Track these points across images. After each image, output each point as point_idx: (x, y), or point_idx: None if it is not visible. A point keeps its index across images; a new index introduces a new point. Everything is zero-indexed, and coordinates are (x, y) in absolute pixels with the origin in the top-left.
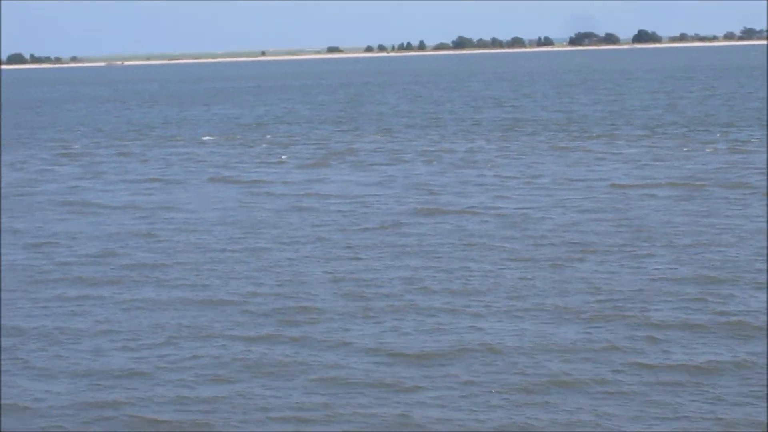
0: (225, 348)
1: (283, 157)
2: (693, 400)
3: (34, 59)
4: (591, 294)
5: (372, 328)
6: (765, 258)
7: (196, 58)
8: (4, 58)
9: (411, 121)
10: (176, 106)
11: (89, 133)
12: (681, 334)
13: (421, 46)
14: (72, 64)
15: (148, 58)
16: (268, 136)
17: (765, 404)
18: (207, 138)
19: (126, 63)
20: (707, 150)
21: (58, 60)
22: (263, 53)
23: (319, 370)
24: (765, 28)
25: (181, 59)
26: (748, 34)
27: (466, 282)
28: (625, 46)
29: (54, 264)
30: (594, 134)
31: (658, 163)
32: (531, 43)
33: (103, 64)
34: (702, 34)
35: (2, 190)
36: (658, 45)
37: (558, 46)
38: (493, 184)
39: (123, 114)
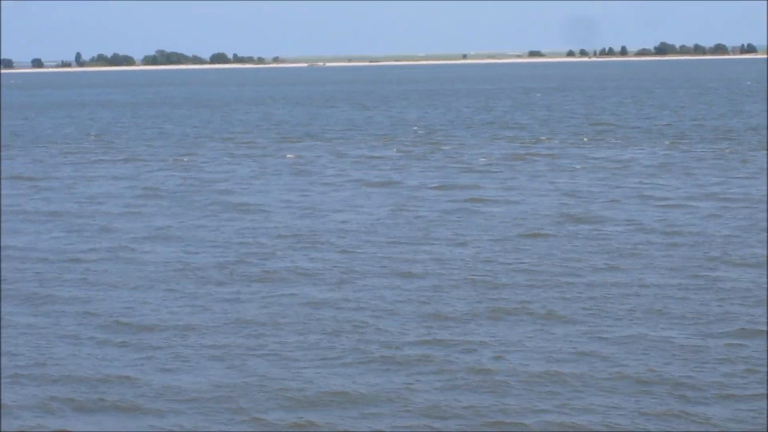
0: None
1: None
2: None
3: (237, 59)
4: None
5: None
6: None
7: (397, 60)
8: (208, 57)
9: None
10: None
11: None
12: None
13: (623, 52)
14: (274, 65)
15: (349, 60)
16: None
17: None
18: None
19: (327, 64)
20: None
21: (260, 60)
22: (465, 56)
23: None
24: None
25: (383, 61)
26: None
27: None
28: None
29: None
30: None
31: None
32: (734, 50)
33: (305, 65)
34: None
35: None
36: None
37: (761, 54)
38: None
39: (336, 114)
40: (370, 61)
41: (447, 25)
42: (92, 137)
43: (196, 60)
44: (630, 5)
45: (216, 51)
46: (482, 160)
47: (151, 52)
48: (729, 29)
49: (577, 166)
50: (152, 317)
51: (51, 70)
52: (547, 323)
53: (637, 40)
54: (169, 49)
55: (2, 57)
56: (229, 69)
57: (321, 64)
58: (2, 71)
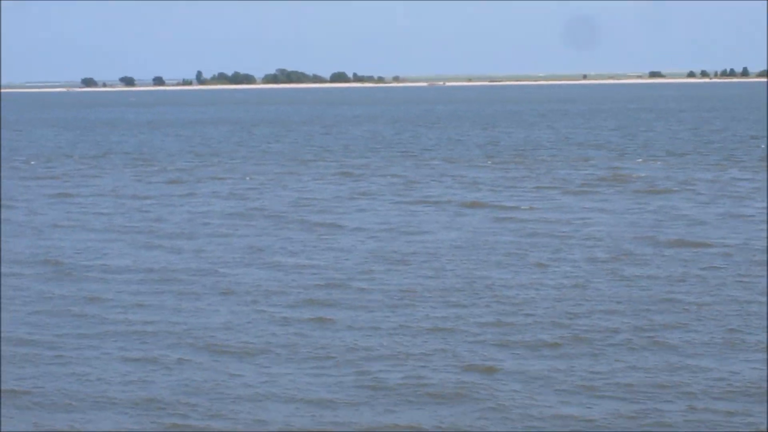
0: None
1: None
2: None
3: (357, 78)
4: None
5: None
6: None
7: (517, 80)
8: (328, 76)
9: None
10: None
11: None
12: None
13: (744, 73)
14: (394, 84)
15: (469, 79)
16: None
17: None
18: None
19: (447, 83)
20: None
21: (380, 79)
22: (585, 77)
23: None
24: None
25: (503, 81)
26: None
27: None
28: None
29: None
30: None
31: None
32: None
33: (424, 84)
34: None
35: None
36: None
37: None
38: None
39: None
40: (490, 81)
41: (565, 46)
42: (195, 155)
43: (317, 79)
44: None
45: (336, 70)
46: (579, 181)
47: (272, 71)
48: None
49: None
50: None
51: (172, 88)
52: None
53: (758, 61)
54: (289, 68)
55: (125, 75)
56: (349, 88)
57: (441, 83)
58: (124, 89)
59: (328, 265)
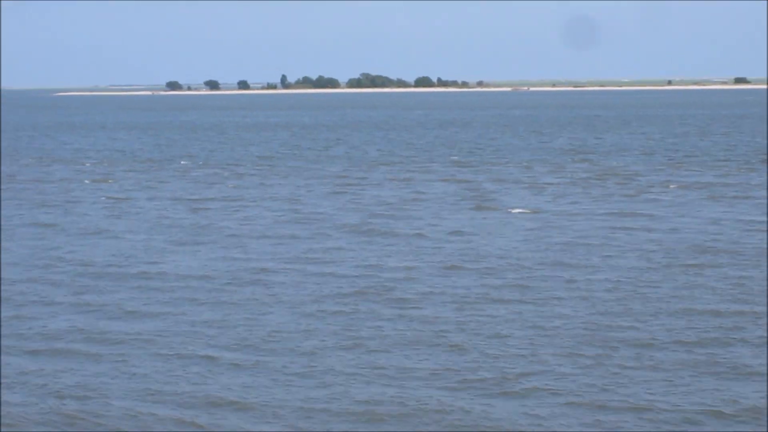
0: None
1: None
2: None
3: (441, 83)
4: None
5: None
6: None
7: (601, 86)
8: (412, 81)
9: None
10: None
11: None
12: None
13: None
14: (478, 89)
15: (553, 84)
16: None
17: None
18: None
19: (531, 88)
20: None
21: (464, 84)
22: (669, 82)
23: None
24: None
25: (587, 86)
26: None
27: None
28: None
29: None
30: None
31: None
32: None
33: (508, 89)
34: None
35: None
36: None
37: None
38: None
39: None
40: (574, 86)
41: (652, 51)
42: (258, 158)
43: (401, 83)
44: None
45: (420, 75)
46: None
47: (356, 75)
48: None
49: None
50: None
51: (257, 92)
52: None
53: None
54: (374, 72)
55: (210, 78)
56: (433, 93)
57: (525, 88)
58: (209, 93)
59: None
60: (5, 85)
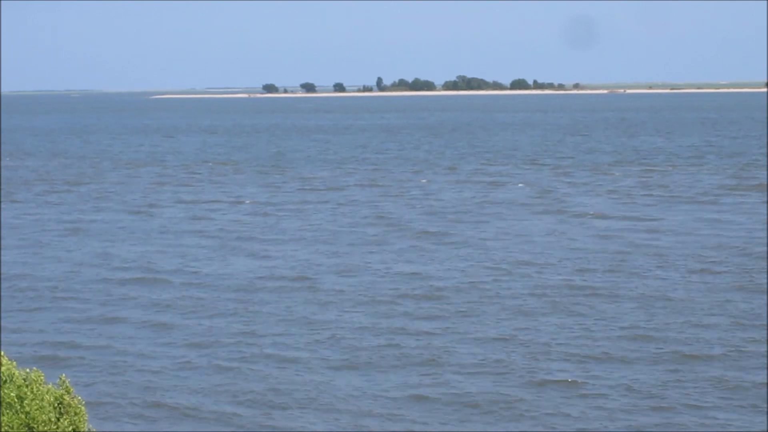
0: None
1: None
2: None
3: (537, 85)
4: None
5: None
6: None
7: (699, 88)
8: (508, 83)
9: None
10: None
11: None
12: None
13: None
14: (574, 91)
15: (650, 87)
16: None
17: None
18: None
19: (628, 91)
20: None
21: (560, 86)
22: None
23: None
24: None
25: (684, 89)
26: None
27: None
28: None
29: None
30: None
31: None
32: None
33: (605, 91)
34: None
35: None
36: None
37: None
38: None
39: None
40: (671, 89)
41: (750, 52)
42: (331, 161)
43: (496, 86)
44: None
45: (516, 77)
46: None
47: (452, 78)
48: None
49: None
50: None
51: (352, 94)
52: None
53: None
54: (469, 75)
55: (306, 81)
56: (529, 95)
57: (621, 90)
58: (305, 95)
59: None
60: (106, 89)
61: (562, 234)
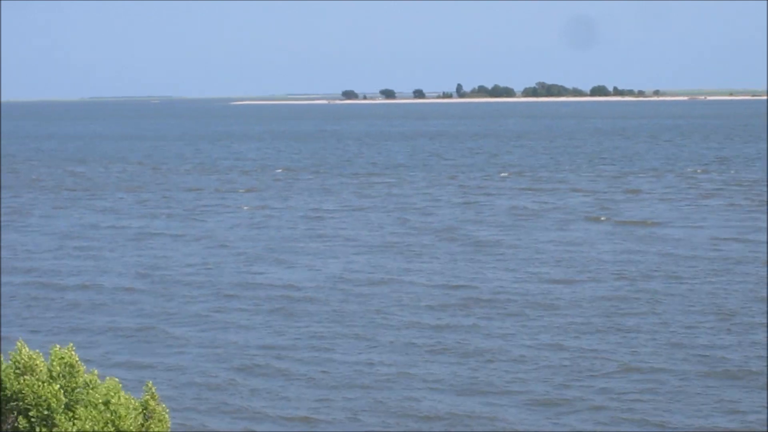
0: None
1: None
2: None
3: (617, 92)
4: None
5: None
6: None
7: None
8: (588, 90)
9: None
10: None
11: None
12: None
13: None
14: (654, 98)
15: (731, 94)
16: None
17: None
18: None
19: (708, 98)
20: None
21: (640, 93)
22: None
23: None
24: None
25: (762, 95)
26: None
27: None
28: None
29: None
30: None
31: None
32: None
33: (685, 98)
34: None
35: None
36: None
37: None
38: None
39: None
40: (752, 95)
41: None
42: (398, 166)
43: (576, 92)
44: None
45: (596, 84)
46: None
47: (532, 84)
48: None
49: None
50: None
51: (431, 101)
52: None
53: None
54: (549, 81)
55: (385, 88)
56: (608, 102)
57: (702, 97)
58: (384, 102)
59: None
60: (186, 95)
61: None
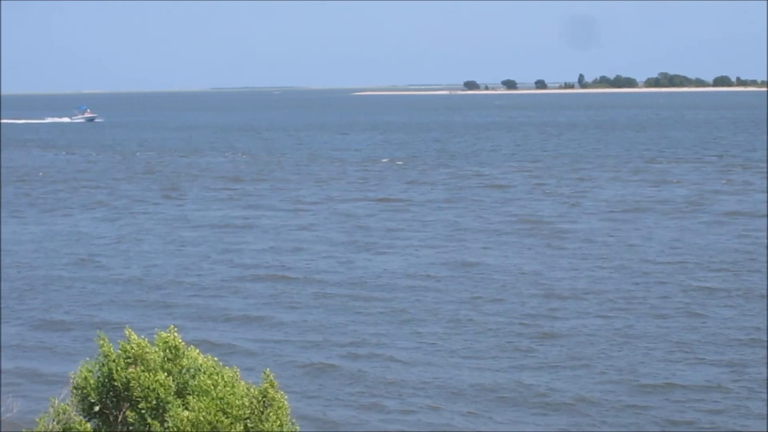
0: None
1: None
2: None
3: (741, 82)
4: None
5: None
6: None
7: None
8: (710, 80)
9: None
10: None
11: None
12: None
13: None
14: None
15: None
16: None
17: None
18: None
19: None
20: None
21: (763, 83)
22: None
23: None
24: None
25: None
26: None
27: None
28: None
29: None
30: None
31: None
32: None
33: None
34: None
35: None
36: None
37: None
38: None
39: None
40: None
41: None
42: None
43: (699, 83)
44: None
45: (719, 74)
46: None
47: (654, 74)
48: None
49: None
50: None
51: (553, 91)
52: None
53: None
54: (672, 72)
55: (507, 78)
56: (731, 92)
57: None
58: (506, 92)
59: None
60: (306, 86)
61: None
